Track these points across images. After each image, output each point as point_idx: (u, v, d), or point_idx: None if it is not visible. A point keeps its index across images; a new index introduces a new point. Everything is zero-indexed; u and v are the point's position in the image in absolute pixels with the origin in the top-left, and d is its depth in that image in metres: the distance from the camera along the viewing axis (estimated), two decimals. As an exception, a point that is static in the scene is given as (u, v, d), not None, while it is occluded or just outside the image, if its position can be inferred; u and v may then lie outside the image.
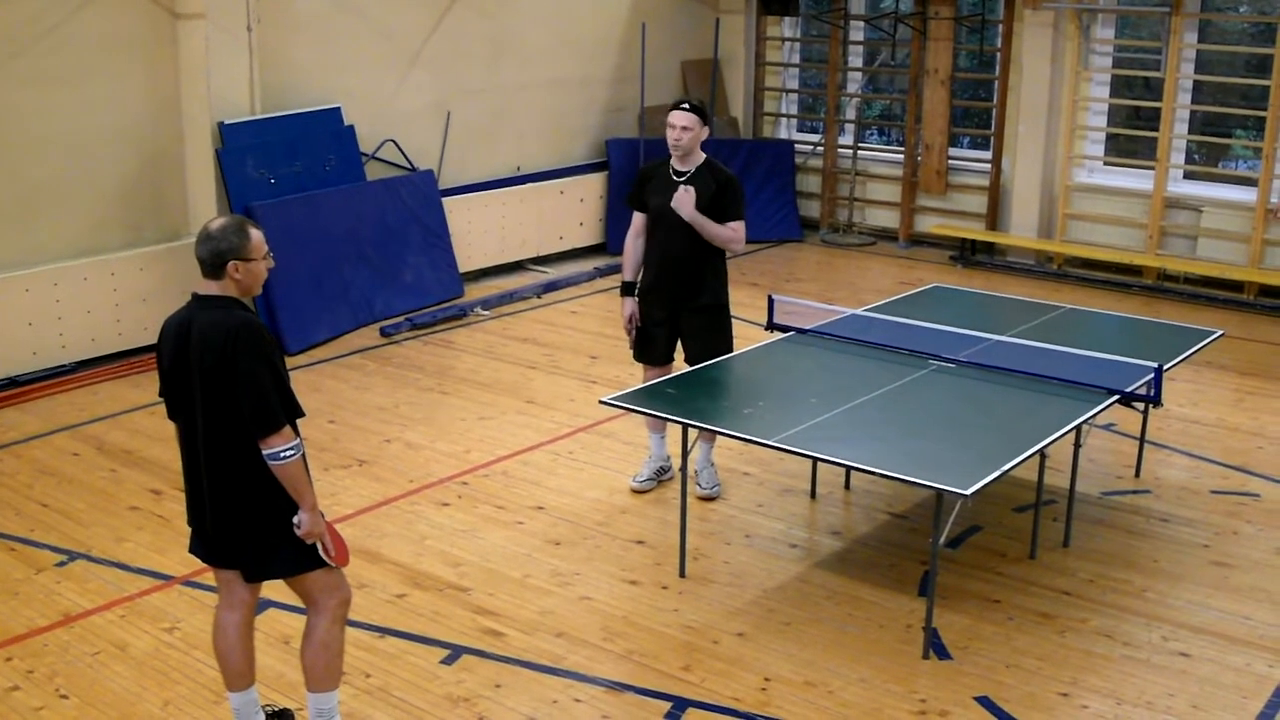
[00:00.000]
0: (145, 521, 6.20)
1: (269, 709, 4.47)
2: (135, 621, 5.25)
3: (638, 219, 6.38)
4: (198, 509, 4.11)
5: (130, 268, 8.54)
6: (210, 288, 3.98)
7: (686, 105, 6.11)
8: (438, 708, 4.66)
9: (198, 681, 4.80)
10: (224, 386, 3.88)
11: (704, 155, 6.20)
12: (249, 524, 4.02)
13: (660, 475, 6.64)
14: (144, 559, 5.80)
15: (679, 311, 6.30)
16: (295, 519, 3.99)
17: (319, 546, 4.06)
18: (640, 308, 6.38)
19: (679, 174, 6.17)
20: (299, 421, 4.00)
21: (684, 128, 6.06)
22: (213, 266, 3.95)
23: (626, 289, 6.41)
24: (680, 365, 6.35)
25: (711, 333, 6.30)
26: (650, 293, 6.35)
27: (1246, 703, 4.74)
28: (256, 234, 3.99)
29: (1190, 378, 8.27)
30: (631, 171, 11.57)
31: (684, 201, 6.06)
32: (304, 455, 4.00)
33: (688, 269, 6.21)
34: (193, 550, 4.24)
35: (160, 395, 4.12)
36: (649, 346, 6.44)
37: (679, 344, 6.42)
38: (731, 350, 6.33)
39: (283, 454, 3.89)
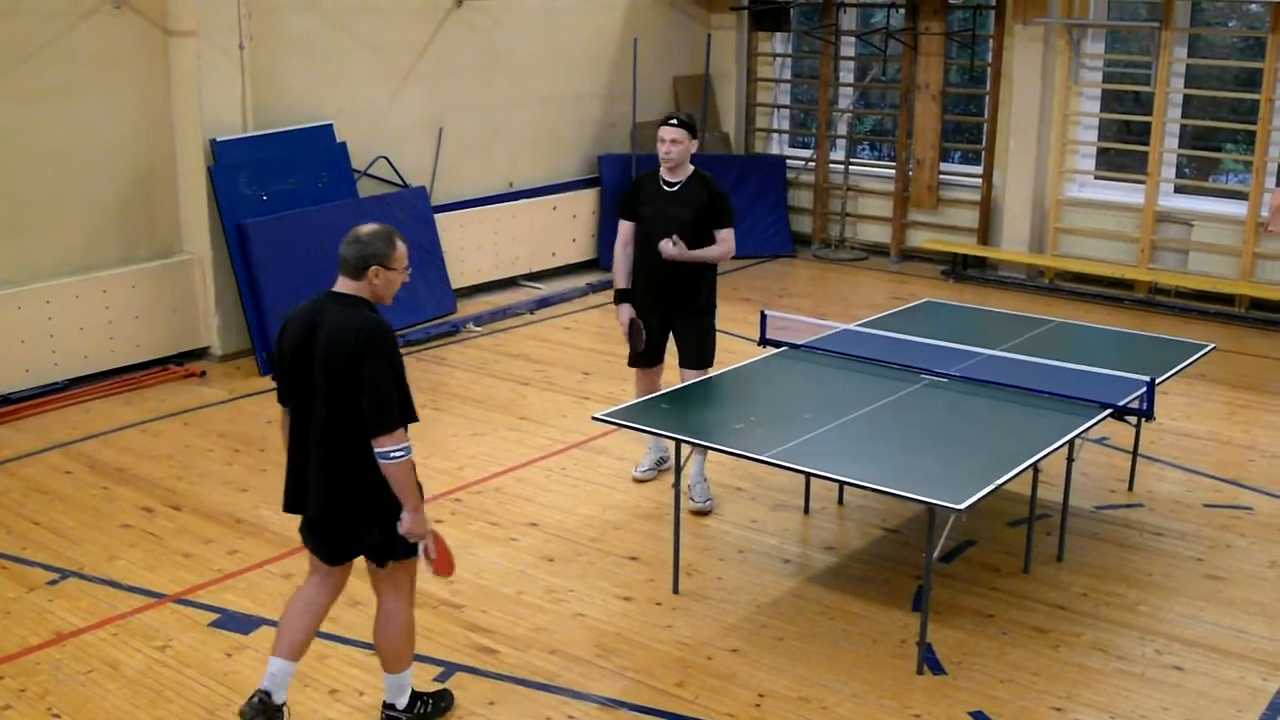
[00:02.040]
0: (137, 539, 6.18)
1: (264, 696, 4.35)
2: (127, 640, 5.23)
3: (624, 229, 6.55)
4: (300, 494, 4.25)
5: (122, 285, 8.54)
6: (347, 286, 4.19)
7: (675, 121, 6.34)
8: (431, 725, 4.64)
9: (190, 699, 4.78)
10: (347, 383, 4.07)
11: (693, 167, 6.42)
12: (355, 508, 4.18)
13: (660, 465, 6.85)
14: (136, 577, 5.78)
15: (672, 315, 6.48)
16: (400, 517, 4.16)
17: (420, 548, 4.24)
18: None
19: (669, 184, 6.38)
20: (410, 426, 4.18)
21: (673, 141, 6.28)
22: (356, 268, 4.16)
23: (621, 296, 6.57)
24: (671, 375, 6.36)
25: (704, 333, 6.49)
26: (643, 299, 6.51)
27: (1241, 716, 4.74)
28: (402, 246, 4.24)
29: (1182, 391, 8.29)
30: (624, 187, 11.59)
31: (671, 254, 6.25)
32: (412, 458, 4.15)
33: (681, 276, 6.38)
34: (302, 531, 4.38)
35: (273, 379, 4.30)
36: (642, 349, 6.57)
37: (670, 349, 6.59)
38: (713, 355, 6.50)
39: (392, 454, 4.07)
